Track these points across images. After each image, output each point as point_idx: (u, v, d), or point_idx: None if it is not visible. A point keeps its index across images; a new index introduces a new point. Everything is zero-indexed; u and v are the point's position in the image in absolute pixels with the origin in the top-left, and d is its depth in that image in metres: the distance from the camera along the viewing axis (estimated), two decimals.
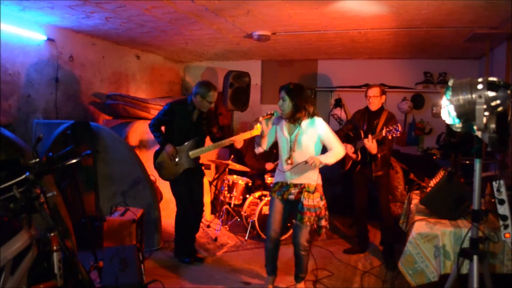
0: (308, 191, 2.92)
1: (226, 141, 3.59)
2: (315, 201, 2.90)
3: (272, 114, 2.95)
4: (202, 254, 3.93)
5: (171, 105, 3.63)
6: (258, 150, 3.16)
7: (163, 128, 3.71)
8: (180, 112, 3.59)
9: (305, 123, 2.94)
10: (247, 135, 3.49)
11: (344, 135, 3.93)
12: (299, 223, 2.91)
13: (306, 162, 2.84)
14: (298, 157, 2.93)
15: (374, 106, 3.75)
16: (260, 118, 2.99)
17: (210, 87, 3.53)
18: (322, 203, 2.95)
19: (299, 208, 2.90)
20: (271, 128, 3.06)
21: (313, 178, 2.96)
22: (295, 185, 2.97)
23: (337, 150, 2.93)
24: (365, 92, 3.81)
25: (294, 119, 2.93)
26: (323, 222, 2.94)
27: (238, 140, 3.49)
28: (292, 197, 2.95)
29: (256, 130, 3.28)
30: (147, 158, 4.35)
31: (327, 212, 2.98)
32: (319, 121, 2.96)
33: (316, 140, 2.95)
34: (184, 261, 3.71)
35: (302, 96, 2.92)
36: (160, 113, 3.65)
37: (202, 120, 3.66)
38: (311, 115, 2.95)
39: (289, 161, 2.95)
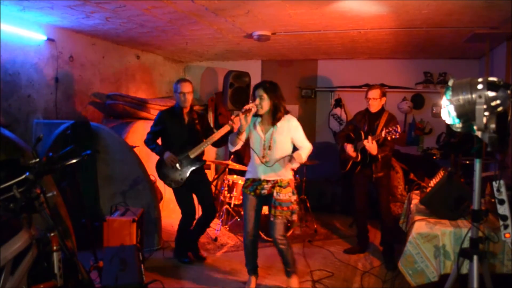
0: (280, 186, 2.92)
1: (223, 129, 3.48)
2: (287, 195, 2.92)
3: (250, 110, 2.88)
4: (204, 254, 3.92)
5: (161, 114, 3.68)
6: (234, 148, 3.02)
7: (159, 140, 3.71)
8: (171, 118, 3.62)
9: (280, 122, 2.94)
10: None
11: (345, 136, 3.94)
12: (272, 218, 2.92)
13: (291, 157, 2.84)
14: (273, 155, 2.93)
15: (374, 108, 3.75)
16: (240, 114, 2.89)
17: (180, 80, 3.63)
18: (294, 198, 2.97)
19: (272, 202, 2.91)
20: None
21: (285, 175, 2.99)
22: (267, 181, 2.97)
23: (308, 148, 2.96)
24: (365, 93, 3.80)
25: (275, 119, 2.92)
26: (294, 217, 2.97)
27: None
28: (265, 191, 2.96)
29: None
30: (147, 158, 4.35)
31: (297, 207, 3.02)
32: (293, 119, 3.00)
33: (289, 138, 2.97)
34: (183, 261, 3.71)
35: (279, 94, 2.94)
36: (152, 126, 3.69)
37: (194, 120, 3.68)
38: (286, 113, 2.98)
39: (263, 160, 2.93)
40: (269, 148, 2.93)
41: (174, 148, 3.58)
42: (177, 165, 3.53)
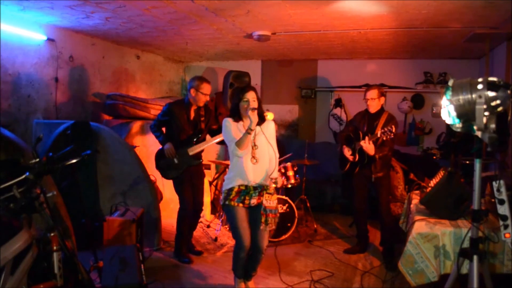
0: (269, 193, 2.88)
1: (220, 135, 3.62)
2: (275, 202, 2.88)
3: (256, 108, 2.81)
4: (200, 249, 4.01)
5: (169, 106, 3.72)
6: (243, 152, 2.83)
7: (164, 129, 3.78)
8: (178, 112, 3.66)
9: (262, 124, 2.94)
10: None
11: (345, 137, 3.95)
12: (263, 227, 2.82)
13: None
14: (260, 155, 2.89)
15: (373, 109, 3.75)
16: (250, 112, 2.76)
17: (203, 80, 3.62)
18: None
19: (262, 211, 2.82)
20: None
21: (268, 180, 2.94)
22: (255, 188, 2.88)
23: (277, 159, 2.95)
24: (364, 94, 3.81)
25: (262, 119, 2.90)
26: (275, 222, 2.93)
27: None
28: (254, 201, 2.85)
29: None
30: (147, 158, 4.35)
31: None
32: (272, 122, 3.00)
33: (266, 140, 2.92)
34: (183, 261, 3.72)
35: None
36: (160, 114, 3.75)
37: (200, 118, 3.73)
38: None
39: (254, 161, 2.87)
40: (256, 147, 2.89)
41: (176, 141, 3.65)
42: (175, 159, 3.62)
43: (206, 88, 3.60)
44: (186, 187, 3.70)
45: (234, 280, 3.11)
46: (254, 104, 2.84)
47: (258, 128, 2.90)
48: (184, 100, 3.73)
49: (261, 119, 2.93)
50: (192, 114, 3.70)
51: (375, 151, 3.59)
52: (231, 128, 2.91)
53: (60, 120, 4.43)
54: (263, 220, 2.82)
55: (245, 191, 2.87)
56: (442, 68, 5.74)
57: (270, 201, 2.85)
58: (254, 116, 2.76)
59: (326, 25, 4.16)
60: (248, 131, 2.76)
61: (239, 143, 2.81)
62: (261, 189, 2.89)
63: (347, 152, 3.83)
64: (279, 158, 4.64)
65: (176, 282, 3.32)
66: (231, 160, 2.95)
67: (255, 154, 2.88)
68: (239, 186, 2.88)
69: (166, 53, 6.31)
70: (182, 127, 3.66)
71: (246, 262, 3.01)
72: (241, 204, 2.86)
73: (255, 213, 2.87)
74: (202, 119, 3.73)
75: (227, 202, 2.87)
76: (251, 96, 2.86)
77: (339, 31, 4.35)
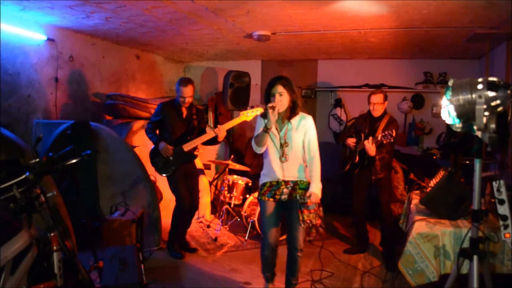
0: (302, 188, 2.77)
1: (211, 131, 3.72)
2: (307, 198, 2.73)
3: (275, 107, 2.65)
4: (194, 245, 4.10)
5: (161, 105, 3.84)
6: (262, 149, 2.78)
7: (158, 131, 3.86)
8: (170, 111, 3.78)
9: (295, 118, 2.80)
10: (236, 121, 3.72)
11: (348, 137, 3.97)
12: (298, 224, 2.69)
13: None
14: (291, 153, 2.78)
15: (377, 113, 3.73)
16: (268, 109, 2.61)
17: (181, 83, 3.69)
18: None
19: (298, 208, 2.68)
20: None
21: (304, 174, 2.83)
22: (286, 183, 2.78)
23: (318, 161, 2.83)
24: (368, 98, 3.77)
25: (294, 114, 2.78)
26: (318, 220, 2.73)
27: (223, 129, 3.68)
28: (285, 196, 2.77)
29: (244, 117, 3.41)
30: (147, 158, 4.34)
31: (321, 209, 2.79)
32: (309, 118, 2.85)
33: (303, 137, 2.81)
34: (176, 256, 3.79)
35: (294, 89, 2.81)
36: (153, 116, 3.87)
37: (192, 116, 3.83)
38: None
39: (282, 159, 2.77)
40: (286, 145, 2.77)
41: (170, 139, 3.74)
42: (170, 157, 3.71)
43: (185, 91, 3.67)
44: (181, 184, 3.77)
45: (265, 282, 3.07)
46: (274, 100, 2.69)
47: (290, 124, 2.79)
48: (175, 99, 3.81)
49: (293, 113, 2.79)
50: (185, 112, 3.80)
51: (375, 153, 3.60)
52: (260, 124, 2.78)
53: (60, 120, 4.43)
54: (300, 218, 2.66)
55: (276, 186, 2.81)
56: (442, 68, 5.73)
57: (304, 196, 2.68)
58: (271, 114, 2.61)
59: (326, 25, 4.16)
60: (265, 129, 2.65)
61: (256, 141, 2.73)
62: (294, 184, 2.79)
63: (351, 140, 3.85)
64: None
65: (176, 282, 3.32)
66: (265, 156, 2.88)
67: (285, 152, 2.77)
68: (270, 182, 2.84)
69: (166, 53, 6.31)
70: (175, 125, 3.75)
71: (274, 262, 2.94)
72: (271, 199, 2.81)
73: (289, 211, 2.77)
74: (194, 117, 3.84)
75: (259, 197, 2.88)
76: (277, 90, 2.73)
77: (339, 31, 4.35)
